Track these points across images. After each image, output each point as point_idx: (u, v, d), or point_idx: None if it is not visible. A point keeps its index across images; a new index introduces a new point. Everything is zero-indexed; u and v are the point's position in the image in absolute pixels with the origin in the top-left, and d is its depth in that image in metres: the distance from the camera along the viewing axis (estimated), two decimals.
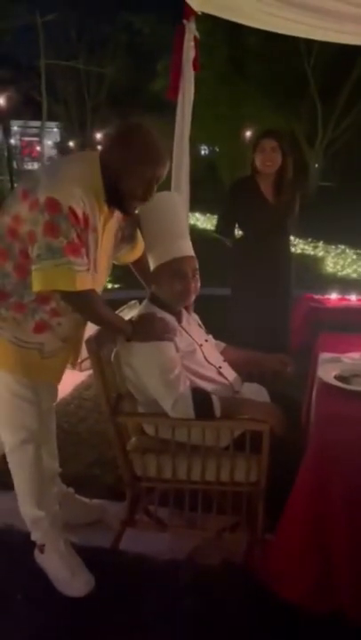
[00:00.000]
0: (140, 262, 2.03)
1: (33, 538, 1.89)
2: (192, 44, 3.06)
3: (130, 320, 1.82)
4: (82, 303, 1.67)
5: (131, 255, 2.01)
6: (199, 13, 3.06)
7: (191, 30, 3.04)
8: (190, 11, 3.01)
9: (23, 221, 1.57)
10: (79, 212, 1.55)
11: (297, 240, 9.67)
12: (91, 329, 1.87)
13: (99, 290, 1.77)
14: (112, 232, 1.78)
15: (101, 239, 1.70)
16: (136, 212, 1.84)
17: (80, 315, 1.74)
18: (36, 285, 1.57)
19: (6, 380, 1.73)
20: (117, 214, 1.76)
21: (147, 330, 1.77)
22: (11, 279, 1.65)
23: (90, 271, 1.63)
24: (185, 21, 3.03)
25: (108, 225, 1.73)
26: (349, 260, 8.07)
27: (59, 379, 1.86)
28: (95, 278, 1.71)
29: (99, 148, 1.72)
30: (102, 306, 1.71)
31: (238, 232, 3.33)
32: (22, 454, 1.80)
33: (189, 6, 2.99)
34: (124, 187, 1.62)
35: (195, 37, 3.07)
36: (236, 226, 3.27)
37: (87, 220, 1.60)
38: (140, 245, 1.99)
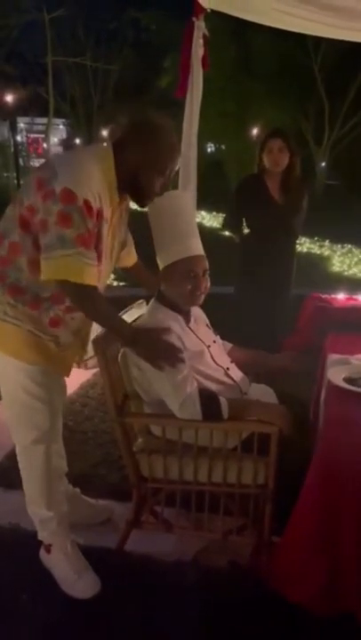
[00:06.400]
0: (137, 266, 2.05)
1: (40, 537, 1.88)
2: (201, 41, 3.03)
3: (134, 328, 1.78)
4: (84, 298, 1.62)
5: (127, 260, 2.02)
6: (208, 11, 3.03)
7: (200, 28, 3.01)
8: (200, 8, 2.98)
9: (36, 211, 1.55)
10: (94, 207, 1.54)
11: (303, 239, 9.62)
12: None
13: (102, 285, 1.75)
14: (116, 227, 1.77)
15: (109, 231, 1.69)
16: (145, 208, 1.83)
17: (79, 309, 1.69)
18: (45, 274, 1.55)
19: (21, 377, 1.72)
20: (119, 210, 1.75)
21: (148, 348, 1.73)
22: (24, 274, 1.63)
23: (97, 266, 1.61)
24: (194, 19, 3.00)
25: (114, 218, 1.71)
26: (356, 259, 8.02)
27: (69, 372, 1.84)
28: (100, 271, 1.68)
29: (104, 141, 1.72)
30: (104, 304, 1.67)
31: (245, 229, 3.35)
32: (33, 454, 1.79)
33: (199, 4, 2.96)
34: (144, 181, 1.65)
35: (204, 35, 3.04)
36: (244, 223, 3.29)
37: (100, 214, 1.59)
38: (134, 251, 2.03)
